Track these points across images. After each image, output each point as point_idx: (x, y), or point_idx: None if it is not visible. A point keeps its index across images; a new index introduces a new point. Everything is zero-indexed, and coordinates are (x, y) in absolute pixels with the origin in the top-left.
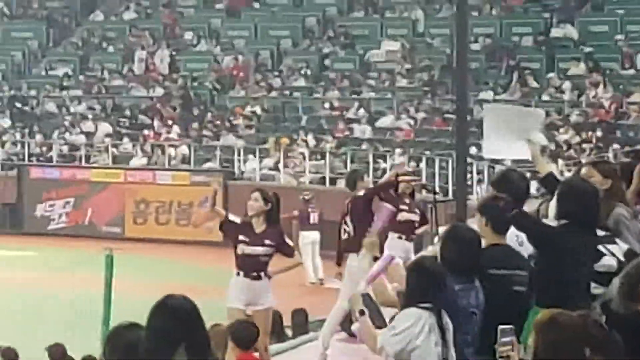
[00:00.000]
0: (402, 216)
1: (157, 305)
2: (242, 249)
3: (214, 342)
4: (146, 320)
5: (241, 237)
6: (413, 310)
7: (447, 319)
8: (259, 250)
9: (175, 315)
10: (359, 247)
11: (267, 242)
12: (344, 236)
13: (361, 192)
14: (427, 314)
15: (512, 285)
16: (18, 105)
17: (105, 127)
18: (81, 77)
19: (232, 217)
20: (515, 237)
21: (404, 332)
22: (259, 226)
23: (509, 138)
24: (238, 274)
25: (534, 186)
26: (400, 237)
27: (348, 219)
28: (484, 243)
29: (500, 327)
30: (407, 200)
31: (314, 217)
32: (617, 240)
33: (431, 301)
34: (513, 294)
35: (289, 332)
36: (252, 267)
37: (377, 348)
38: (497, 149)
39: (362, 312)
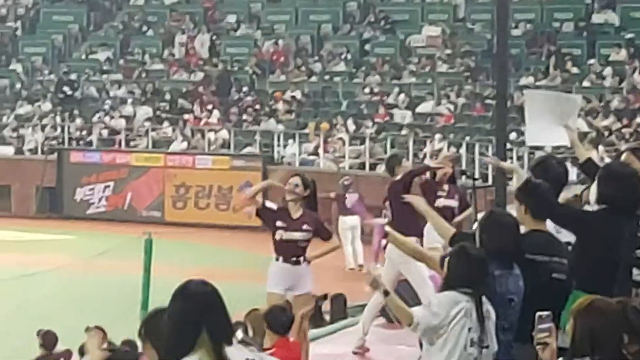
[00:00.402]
0: (440, 202)
1: (177, 290)
2: (280, 234)
3: (253, 327)
4: (167, 309)
5: (279, 223)
6: (452, 293)
7: (488, 307)
8: (297, 235)
9: (195, 300)
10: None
11: (304, 227)
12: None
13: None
14: (465, 298)
15: (551, 272)
16: (64, 89)
17: (144, 111)
18: (121, 61)
19: (268, 203)
20: (554, 225)
21: (440, 310)
22: (296, 211)
23: (549, 124)
24: (277, 259)
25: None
26: None
27: (387, 203)
28: (523, 229)
29: (538, 313)
30: (446, 187)
31: (350, 202)
32: None
33: (472, 287)
34: (552, 281)
35: (328, 318)
36: (291, 253)
37: (413, 324)
38: (539, 136)
39: (386, 293)
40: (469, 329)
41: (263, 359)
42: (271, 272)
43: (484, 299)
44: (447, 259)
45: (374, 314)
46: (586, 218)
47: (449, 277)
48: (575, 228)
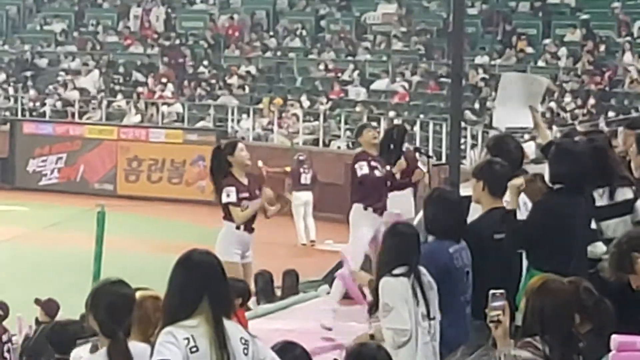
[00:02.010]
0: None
1: (180, 258)
2: (246, 205)
3: None
4: (169, 276)
5: (242, 195)
6: (391, 281)
7: (429, 278)
8: (257, 201)
9: (198, 269)
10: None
11: (257, 192)
12: None
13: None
14: (404, 280)
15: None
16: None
17: (94, 76)
18: (76, 33)
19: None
20: (523, 203)
21: (402, 304)
22: (244, 178)
23: (516, 106)
24: (238, 227)
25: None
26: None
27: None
28: (482, 207)
29: (491, 291)
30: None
31: (306, 178)
32: None
33: (408, 263)
34: (514, 257)
35: (279, 293)
36: (251, 220)
37: (395, 341)
38: (506, 118)
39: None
40: (417, 304)
41: (255, 343)
42: (229, 241)
43: (422, 270)
44: (383, 239)
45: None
46: (540, 198)
47: (385, 257)
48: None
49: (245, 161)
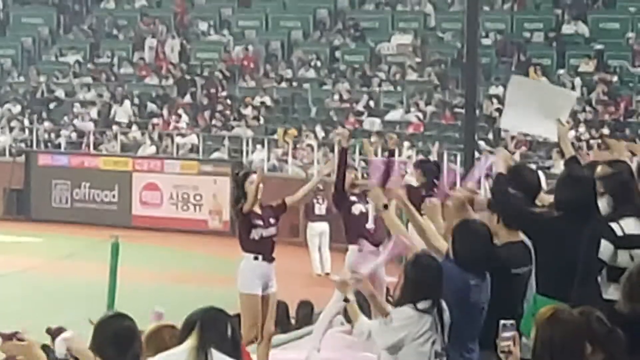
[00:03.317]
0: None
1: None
2: (259, 232)
3: None
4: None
5: (256, 222)
6: (412, 312)
7: (447, 314)
8: (273, 230)
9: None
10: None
11: (272, 220)
12: None
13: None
14: (426, 317)
15: (528, 280)
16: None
17: (126, 106)
18: (90, 65)
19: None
20: None
21: (399, 329)
22: (258, 208)
23: (534, 114)
24: (256, 258)
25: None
26: None
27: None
28: (498, 240)
29: (502, 322)
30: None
31: (320, 209)
32: None
33: (431, 297)
34: (526, 288)
35: (294, 323)
36: (270, 250)
37: (364, 335)
38: (517, 123)
39: (347, 300)
40: (433, 342)
41: None
42: (248, 272)
43: (444, 306)
44: (403, 273)
45: (326, 326)
46: (542, 223)
47: (406, 287)
48: (532, 234)
49: (258, 193)
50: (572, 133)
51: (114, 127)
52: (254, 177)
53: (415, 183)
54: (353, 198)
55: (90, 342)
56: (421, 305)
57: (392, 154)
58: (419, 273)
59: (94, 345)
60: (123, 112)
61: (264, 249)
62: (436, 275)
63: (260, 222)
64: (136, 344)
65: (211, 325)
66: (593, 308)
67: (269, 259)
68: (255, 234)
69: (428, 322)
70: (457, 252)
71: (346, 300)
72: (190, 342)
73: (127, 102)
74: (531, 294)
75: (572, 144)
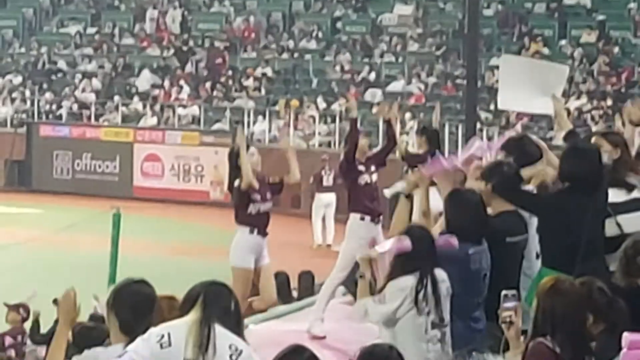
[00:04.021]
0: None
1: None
2: (257, 207)
3: None
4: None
5: (254, 196)
6: (401, 280)
7: (448, 285)
8: (269, 205)
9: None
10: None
11: (268, 195)
12: None
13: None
14: (414, 281)
15: (523, 250)
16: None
17: (146, 74)
18: (92, 36)
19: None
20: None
21: (391, 300)
22: (255, 182)
23: (529, 91)
24: (252, 231)
25: None
26: None
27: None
28: (491, 210)
29: (504, 292)
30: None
31: (328, 180)
32: None
33: (421, 267)
34: (521, 258)
35: (295, 295)
36: (265, 224)
37: (361, 313)
38: (514, 101)
39: (362, 276)
40: (428, 312)
41: (252, 357)
42: (242, 247)
43: (442, 276)
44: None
45: (329, 297)
46: (546, 199)
47: (396, 259)
48: (535, 209)
49: (256, 167)
50: (576, 103)
51: (115, 98)
52: (252, 149)
53: (418, 150)
54: (361, 168)
55: (108, 302)
56: (410, 273)
57: (389, 124)
58: (411, 244)
59: (113, 305)
60: (144, 81)
61: (259, 223)
62: (427, 246)
63: (258, 197)
64: (153, 312)
65: (214, 300)
66: (594, 279)
67: (264, 233)
68: (252, 209)
69: (421, 292)
70: (450, 221)
71: (361, 275)
72: (193, 315)
73: (145, 71)
74: (527, 264)
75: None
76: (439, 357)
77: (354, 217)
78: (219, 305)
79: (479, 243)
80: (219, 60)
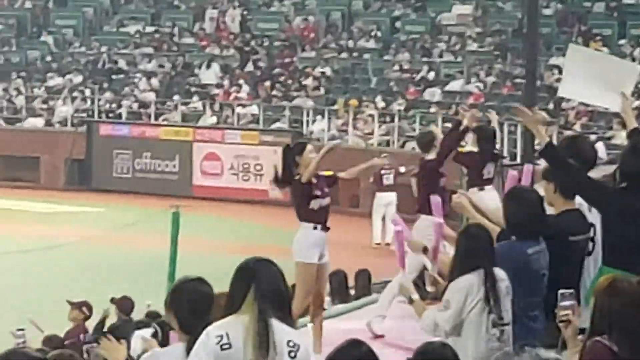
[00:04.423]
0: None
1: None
2: (319, 202)
3: None
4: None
5: (316, 192)
6: (461, 280)
7: (507, 284)
8: (328, 200)
9: (252, 269)
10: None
11: (326, 190)
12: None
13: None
14: (476, 279)
15: (586, 249)
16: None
17: (215, 68)
18: (151, 35)
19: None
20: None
21: (455, 304)
22: (313, 178)
23: (593, 83)
24: (315, 227)
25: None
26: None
27: (415, 180)
28: (554, 209)
29: (561, 291)
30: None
31: (388, 179)
32: None
33: (480, 265)
34: (584, 257)
35: (352, 293)
36: (326, 219)
37: (430, 327)
38: (576, 91)
39: (410, 300)
40: (489, 312)
41: (307, 350)
42: (306, 242)
43: (501, 275)
44: (456, 242)
45: (394, 294)
46: (609, 194)
47: (457, 260)
48: (599, 204)
49: (315, 165)
50: (636, 103)
51: (175, 97)
52: (310, 147)
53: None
54: (442, 170)
55: (166, 303)
56: (472, 272)
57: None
58: (469, 243)
59: (171, 305)
60: (212, 75)
61: (321, 219)
62: (486, 244)
63: (319, 192)
64: (211, 309)
65: (267, 290)
66: None
67: (325, 228)
68: (314, 204)
69: (481, 291)
70: (508, 219)
71: (410, 301)
72: (248, 311)
73: (215, 65)
74: (589, 263)
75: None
76: (498, 356)
77: (424, 218)
78: (272, 296)
79: (536, 241)
80: (278, 60)
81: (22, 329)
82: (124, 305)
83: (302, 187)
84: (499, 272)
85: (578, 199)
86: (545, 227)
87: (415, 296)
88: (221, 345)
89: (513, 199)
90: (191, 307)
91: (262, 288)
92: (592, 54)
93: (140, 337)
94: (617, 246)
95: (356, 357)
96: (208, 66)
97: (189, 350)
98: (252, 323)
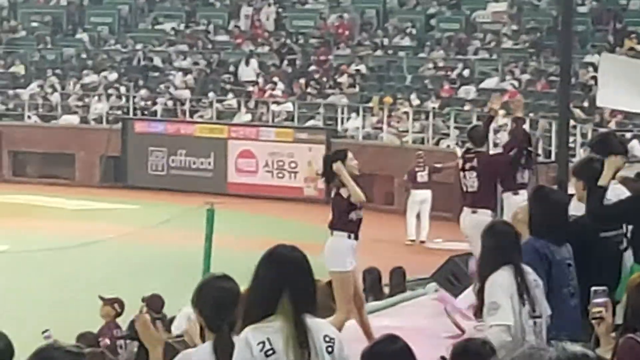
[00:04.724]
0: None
1: (264, 255)
2: (357, 214)
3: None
4: (254, 270)
5: (356, 203)
6: (496, 277)
7: (534, 277)
8: (362, 212)
9: (281, 264)
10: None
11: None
12: (463, 188)
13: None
14: (507, 272)
15: (619, 245)
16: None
17: (254, 64)
18: (187, 32)
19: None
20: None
21: (505, 301)
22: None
23: (628, 90)
24: (349, 237)
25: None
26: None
27: (473, 174)
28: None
29: (593, 288)
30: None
31: (422, 176)
32: None
33: (509, 261)
34: (619, 253)
35: (387, 290)
36: (359, 229)
37: (499, 335)
38: (614, 99)
39: None
40: (523, 303)
41: (340, 341)
42: (343, 251)
43: (527, 269)
44: (481, 241)
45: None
46: (630, 202)
47: (486, 256)
48: (627, 219)
49: (354, 171)
50: None
51: (210, 95)
52: (350, 155)
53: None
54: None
55: (193, 301)
56: (502, 267)
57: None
58: (496, 239)
59: (197, 303)
60: (251, 71)
61: (357, 228)
62: (513, 240)
63: (358, 204)
64: (236, 308)
65: (298, 288)
66: None
67: (357, 237)
68: (354, 215)
69: (514, 285)
70: (532, 218)
71: None
72: (283, 312)
73: (253, 61)
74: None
75: None
76: (525, 350)
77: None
78: (304, 291)
79: (561, 239)
80: (313, 57)
81: (47, 330)
82: (154, 303)
83: (344, 200)
84: (525, 267)
85: (609, 194)
86: (568, 231)
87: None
88: (265, 352)
89: (540, 200)
90: (216, 304)
91: (297, 288)
92: (624, 60)
93: (187, 316)
94: None
95: (392, 351)
96: (247, 63)
97: (215, 348)
98: (290, 325)
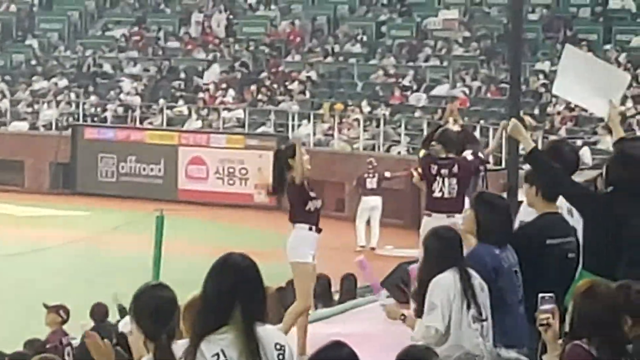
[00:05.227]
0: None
1: (215, 263)
2: (314, 204)
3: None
4: (205, 279)
5: (311, 194)
6: (440, 279)
7: (480, 281)
8: (320, 202)
9: (235, 275)
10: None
11: (316, 193)
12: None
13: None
14: (451, 275)
15: (567, 253)
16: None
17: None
18: (137, 39)
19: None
20: (565, 206)
21: (442, 304)
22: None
23: (585, 87)
24: (310, 229)
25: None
26: None
27: (454, 180)
28: (535, 212)
29: (540, 294)
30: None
31: (371, 182)
32: None
33: (454, 264)
34: (567, 261)
35: (337, 297)
36: (319, 221)
37: (424, 334)
38: (569, 90)
39: (403, 318)
40: (468, 307)
41: (290, 348)
42: (302, 242)
43: (473, 273)
44: (424, 246)
45: None
46: (593, 198)
47: (429, 261)
48: (583, 207)
49: (306, 165)
50: (621, 108)
51: (160, 101)
52: (303, 149)
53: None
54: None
55: (130, 312)
56: (445, 270)
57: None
58: (440, 243)
59: (133, 314)
60: (212, 75)
61: (315, 220)
62: (456, 244)
63: (314, 195)
64: (175, 316)
65: (249, 297)
66: (633, 282)
67: (318, 229)
68: (311, 206)
69: (458, 287)
70: (480, 223)
71: (403, 318)
72: (234, 322)
73: (215, 66)
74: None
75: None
76: (477, 350)
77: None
78: (256, 299)
79: (504, 243)
80: (264, 64)
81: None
82: (98, 311)
83: (299, 190)
84: (471, 271)
85: (558, 203)
86: (511, 236)
87: (406, 312)
88: None
89: (482, 205)
90: (153, 314)
91: (249, 298)
92: (587, 57)
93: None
94: (597, 250)
95: (338, 358)
96: (208, 67)
97: (155, 357)
98: (241, 334)
